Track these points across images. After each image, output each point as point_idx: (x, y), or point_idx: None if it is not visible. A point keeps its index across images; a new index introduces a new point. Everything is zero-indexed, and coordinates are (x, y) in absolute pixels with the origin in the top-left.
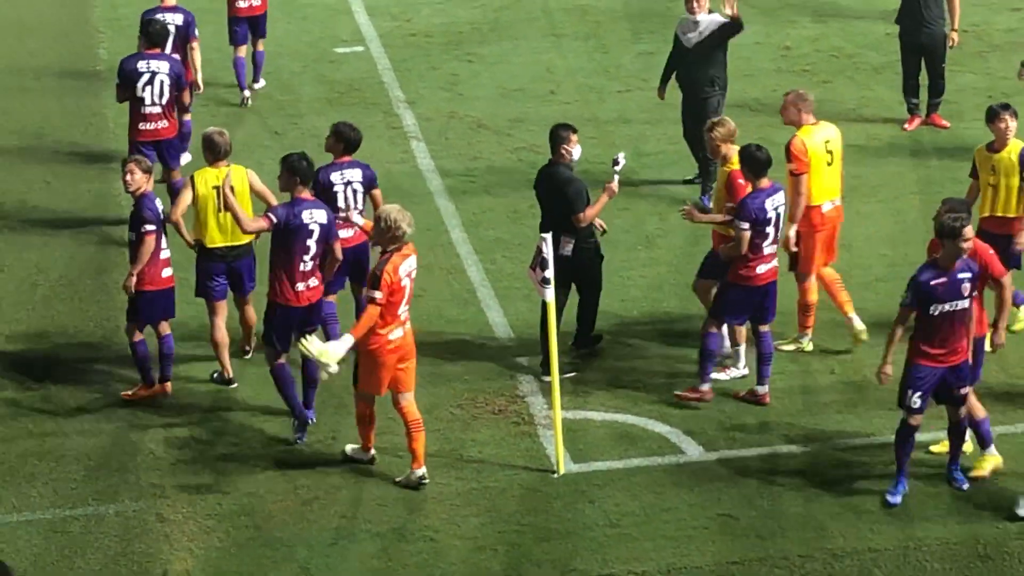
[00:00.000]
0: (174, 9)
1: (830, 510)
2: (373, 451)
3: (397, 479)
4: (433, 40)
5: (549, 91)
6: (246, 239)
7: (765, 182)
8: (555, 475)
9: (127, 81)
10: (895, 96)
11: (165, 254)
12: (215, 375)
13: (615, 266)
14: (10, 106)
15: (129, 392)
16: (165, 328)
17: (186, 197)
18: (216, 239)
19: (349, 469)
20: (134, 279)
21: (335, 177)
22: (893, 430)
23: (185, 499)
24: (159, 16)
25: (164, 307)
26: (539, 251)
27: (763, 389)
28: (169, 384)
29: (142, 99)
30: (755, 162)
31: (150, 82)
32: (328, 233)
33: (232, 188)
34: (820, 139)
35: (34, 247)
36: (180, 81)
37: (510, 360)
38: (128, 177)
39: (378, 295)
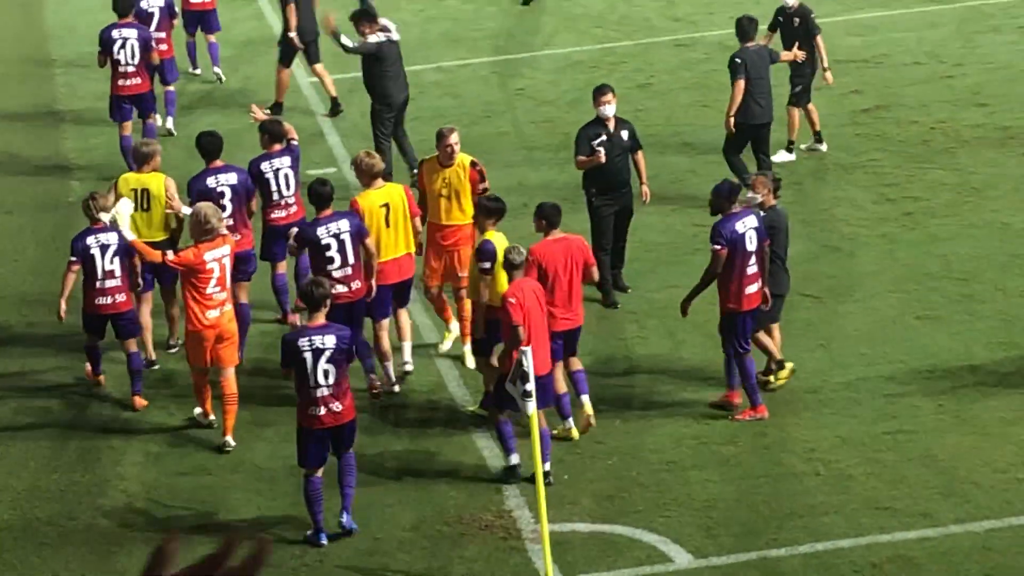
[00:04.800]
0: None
1: None
2: (212, 416)
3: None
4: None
5: (523, 204)
6: (163, 235)
7: (327, 212)
8: None
9: (105, 47)
10: (866, 195)
11: (110, 283)
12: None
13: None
14: None
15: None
16: (131, 346)
17: (109, 199)
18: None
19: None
20: (63, 305)
21: (264, 166)
22: (881, 529)
23: None
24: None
25: (120, 326)
26: (519, 364)
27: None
28: (138, 399)
29: (118, 61)
30: (315, 196)
31: (123, 47)
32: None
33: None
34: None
35: None
36: (148, 44)
37: (495, 473)
38: (92, 203)
39: (169, 256)
